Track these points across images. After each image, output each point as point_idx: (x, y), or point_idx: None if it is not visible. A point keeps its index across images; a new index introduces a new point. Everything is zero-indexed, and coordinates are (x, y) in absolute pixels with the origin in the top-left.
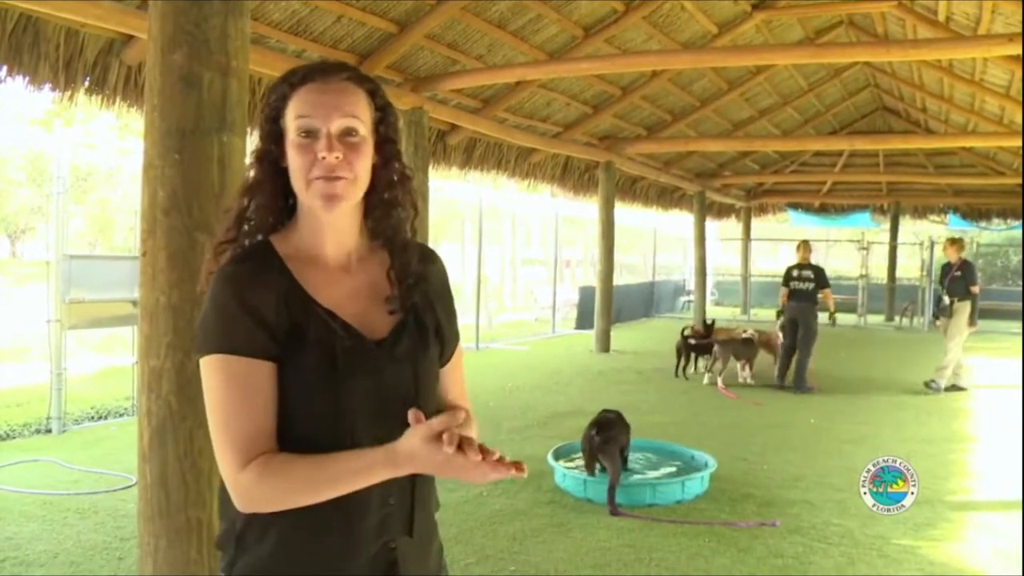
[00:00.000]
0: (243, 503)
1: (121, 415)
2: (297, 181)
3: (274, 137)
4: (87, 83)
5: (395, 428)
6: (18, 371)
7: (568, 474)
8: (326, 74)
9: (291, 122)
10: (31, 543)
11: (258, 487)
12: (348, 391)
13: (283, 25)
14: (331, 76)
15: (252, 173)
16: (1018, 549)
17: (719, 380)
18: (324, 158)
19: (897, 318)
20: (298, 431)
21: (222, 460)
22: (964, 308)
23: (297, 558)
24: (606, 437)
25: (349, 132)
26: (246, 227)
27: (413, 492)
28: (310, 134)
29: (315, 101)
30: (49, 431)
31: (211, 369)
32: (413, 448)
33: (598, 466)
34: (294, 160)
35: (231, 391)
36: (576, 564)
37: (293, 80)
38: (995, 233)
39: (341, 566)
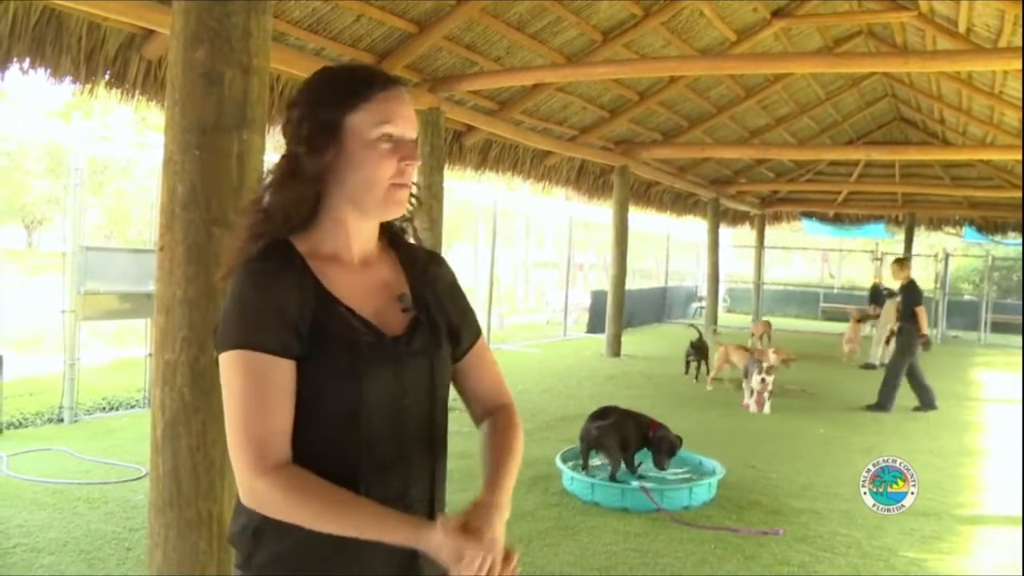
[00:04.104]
0: (250, 502)
1: (132, 407)
2: (372, 183)
3: (331, 141)
4: (107, 77)
5: (411, 425)
6: (32, 361)
7: (576, 477)
8: (396, 83)
9: (369, 128)
10: (42, 531)
11: (273, 497)
12: (371, 387)
13: (303, 23)
14: (400, 86)
15: (300, 171)
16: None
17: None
18: (408, 166)
19: None
20: (318, 428)
21: (237, 457)
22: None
23: (318, 551)
24: (602, 428)
25: (416, 143)
26: (282, 225)
27: (433, 485)
28: (392, 140)
29: (395, 110)
30: (61, 421)
31: (232, 365)
32: (443, 545)
33: (596, 461)
34: (374, 163)
35: (251, 388)
36: (582, 567)
37: (368, 86)
38: (1009, 247)
39: (363, 559)
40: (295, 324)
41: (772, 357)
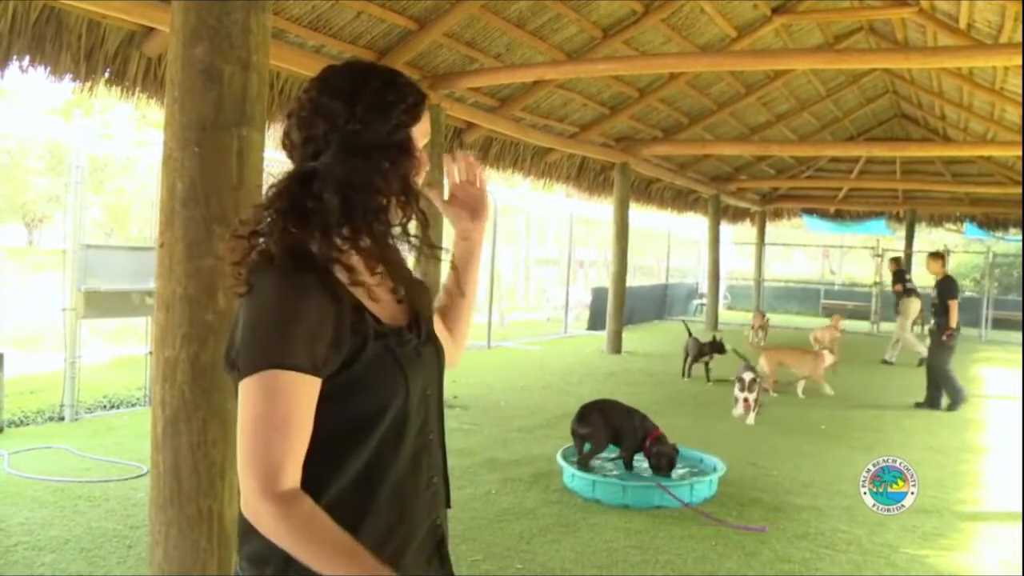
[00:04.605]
0: (252, 518)
1: (133, 404)
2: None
3: (408, 151)
4: (107, 74)
5: (431, 413)
6: (33, 358)
7: (576, 474)
8: None
9: (421, 139)
10: (43, 528)
11: (273, 525)
12: (411, 383)
13: (303, 20)
14: None
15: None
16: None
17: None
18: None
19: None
20: (361, 432)
21: (246, 476)
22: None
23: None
24: (586, 417)
25: None
26: (383, 227)
27: (445, 467)
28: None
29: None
30: (62, 419)
31: (264, 385)
32: None
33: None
34: (419, 173)
35: (276, 408)
36: (583, 564)
37: (419, 100)
38: (1011, 243)
39: (402, 550)
40: (335, 337)
41: (829, 358)
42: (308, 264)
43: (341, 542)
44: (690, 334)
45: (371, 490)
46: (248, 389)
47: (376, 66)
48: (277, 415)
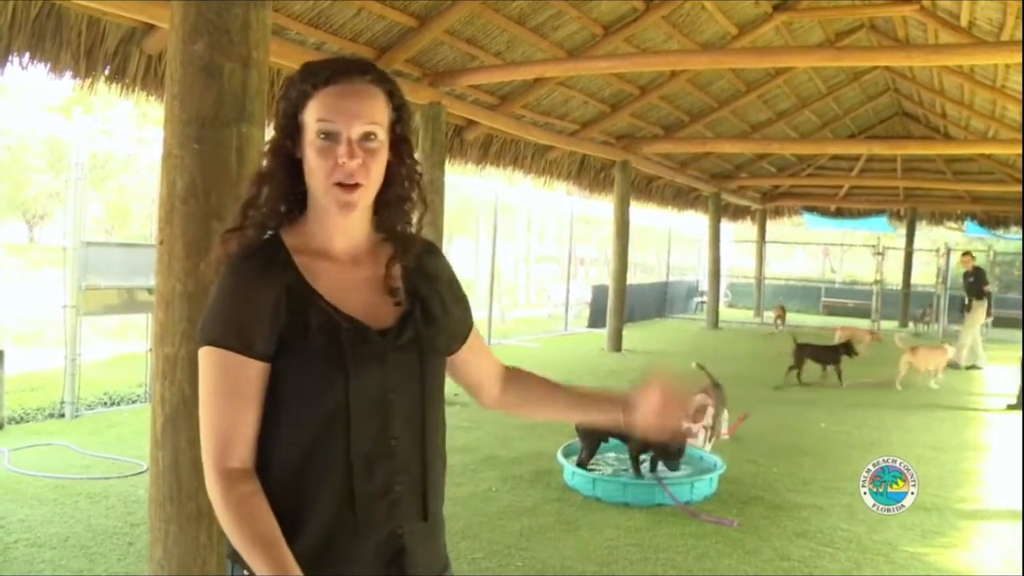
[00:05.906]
0: (208, 488)
1: (133, 402)
2: (315, 180)
3: (290, 132)
4: (107, 71)
5: (397, 419)
6: (33, 356)
7: (577, 472)
8: (348, 76)
9: (312, 123)
10: (43, 525)
11: (216, 501)
12: (354, 381)
13: (303, 17)
14: (353, 78)
15: (265, 163)
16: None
17: None
18: (344, 163)
19: (912, 324)
20: (300, 423)
21: (203, 448)
22: (979, 305)
23: (301, 555)
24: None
25: (368, 137)
26: (257, 216)
27: (425, 476)
28: (330, 137)
29: (337, 106)
30: (62, 416)
31: (204, 360)
32: None
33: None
34: (313, 161)
35: (218, 385)
36: (582, 561)
37: (316, 80)
38: (1011, 241)
39: (350, 550)
40: (269, 324)
41: (951, 351)
42: (258, 250)
43: (263, 534)
44: (795, 340)
45: (309, 484)
46: (199, 363)
47: (332, 58)
48: (219, 391)
